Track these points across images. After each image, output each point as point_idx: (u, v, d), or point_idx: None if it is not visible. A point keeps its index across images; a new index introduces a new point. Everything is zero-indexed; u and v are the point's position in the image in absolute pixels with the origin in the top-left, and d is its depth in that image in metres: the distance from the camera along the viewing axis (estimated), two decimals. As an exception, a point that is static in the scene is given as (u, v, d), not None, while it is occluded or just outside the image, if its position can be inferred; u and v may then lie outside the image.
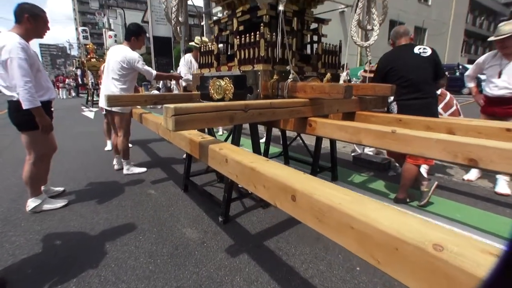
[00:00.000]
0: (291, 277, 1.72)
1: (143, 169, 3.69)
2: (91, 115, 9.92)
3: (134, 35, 3.26)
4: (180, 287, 1.62)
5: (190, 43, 4.49)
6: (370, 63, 3.05)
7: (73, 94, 21.82)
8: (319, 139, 3.10)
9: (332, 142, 3.38)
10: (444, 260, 0.52)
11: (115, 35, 15.05)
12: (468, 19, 27.57)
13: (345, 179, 3.42)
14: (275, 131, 4.92)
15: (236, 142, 2.28)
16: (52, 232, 2.24)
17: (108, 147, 4.79)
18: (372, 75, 3.00)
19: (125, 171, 3.59)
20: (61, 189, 3.04)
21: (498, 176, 2.94)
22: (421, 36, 20.79)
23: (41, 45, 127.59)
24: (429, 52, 2.59)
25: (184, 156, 3.49)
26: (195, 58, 4.37)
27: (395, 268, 0.62)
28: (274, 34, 2.20)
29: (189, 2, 3.08)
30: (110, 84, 3.24)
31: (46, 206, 2.59)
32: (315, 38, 2.72)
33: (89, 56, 12.99)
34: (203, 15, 6.37)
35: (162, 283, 1.66)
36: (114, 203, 2.76)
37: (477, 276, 0.46)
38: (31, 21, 2.28)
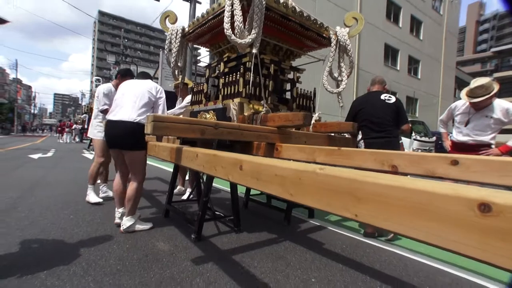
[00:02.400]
0: (248, 282, 1.83)
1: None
2: (90, 156, 10.23)
3: (119, 73, 3.56)
4: (142, 282, 1.74)
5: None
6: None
7: (77, 139, 22.25)
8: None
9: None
10: (324, 174, 0.78)
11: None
12: (456, 94, 29.80)
13: (322, 217, 3.55)
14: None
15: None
16: (32, 238, 2.37)
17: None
18: None
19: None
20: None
21: None
22: (413, 106, 21.97)
23: (55, 95, 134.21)
24: (393, 100, 2.98)
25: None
26: (182, 96, 4.45)
27: (301, 194, 0.86)
28: (252, 75, 2.62)
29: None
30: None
31: (138, 227, 2.69)
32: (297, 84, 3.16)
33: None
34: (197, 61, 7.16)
35: (126, 278, 1.78)
36: (96, 221, 2.90)
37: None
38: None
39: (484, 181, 1.36)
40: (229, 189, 2.92)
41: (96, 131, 3.64)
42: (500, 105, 2.87)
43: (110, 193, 3.79)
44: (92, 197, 3.60)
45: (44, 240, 2.36)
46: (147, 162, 2.80)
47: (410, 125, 3.17)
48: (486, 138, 2.95)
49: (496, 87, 2.84)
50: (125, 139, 2.54)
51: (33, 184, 4.60)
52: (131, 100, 2.59)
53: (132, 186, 2.64)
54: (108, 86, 3.67)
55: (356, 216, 0.70)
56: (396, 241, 2.79)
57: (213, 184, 4.71)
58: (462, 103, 3.13)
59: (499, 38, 60.26)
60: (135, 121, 2.50)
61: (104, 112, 3.47)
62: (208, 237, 2.63)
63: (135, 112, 2.54)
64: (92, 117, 3.80)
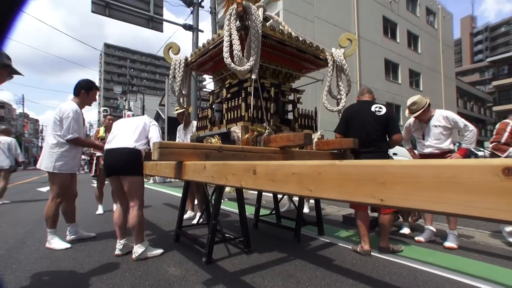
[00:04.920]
0: (259, 303, 1.85)
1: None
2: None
3: (83, 89, 3.21)
4: (155, 307, 1.76)
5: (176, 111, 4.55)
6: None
7: (86, 170, 22.27)
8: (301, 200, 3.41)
9: (317, 200, 3.64)
10: (345, 165, 0.81)
11: (133, 115, 16.62)
12: (459, 103, 30.25)
13: (332, 234, 3.55)
14: (269, 197, 5.18)
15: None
16: (43, 271, 2.39)
17: (100, 211, 4.89)
18: None
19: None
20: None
21: (448, 231, 3.09)
22: (417, 117, 22.02)
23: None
24: (383, 111, 2.90)
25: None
26: (185, 123, 4.57)
27: (321, 189, 0.88)
28: (253, 99, 2.73)
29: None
30: None
31: (150, 253, 2.72)
32: (298, 104, 3.27)
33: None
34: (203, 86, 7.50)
35: (139, 304, 1.80)
36: (108, 250, 2.93)
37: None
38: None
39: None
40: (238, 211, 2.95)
41: (59, 163, 3.00)
42: (442, 114, 3.22)
43: (83, 234, 3.36)
44: (56, 242, 2.99)
45: (55, 272, 2.39)
46: (156, 188, 2.88)
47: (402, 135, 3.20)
48: (444, 145, 3.17)
49: (427, 101, 3.24)
50: (123, 165, 2.66)
51: (42, 218, 4.53)
52: (128, 130, 2.78)
53: (133, 213, 2.68)
54: (77, 108, 3.09)
55: (382, 201, 0.71)
56: (408, 252, 2.79)
57: (222, 207, 4.77)
58: (413, 120, 3.43)
59: (493, 48, 61.39)
60: (132, 147, 2.66)
61: (74, 141, 3.03)
62: (218, 259, 2.65)
63: (132, 139, 2.71)
64: (50, 146, 3.03)
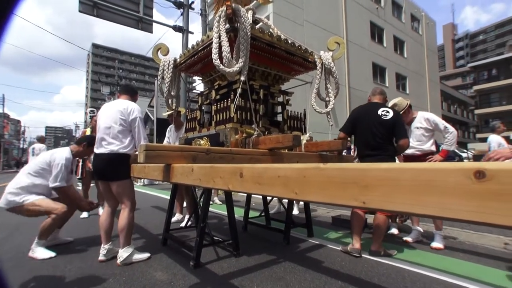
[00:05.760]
0: (248, 307, 1.83)
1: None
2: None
3: (86, 142, 3.36)
4: (141, 313, 1.72)
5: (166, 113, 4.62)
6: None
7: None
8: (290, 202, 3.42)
9: (306, 203, 3.65)
10: (329, 168, 0.82)
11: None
12: (444, 106, 31.30)
13: (321, 235, 3.56)
14: (258, 199, 5.18)
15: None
16: (17, 281, 2.24)
17: (84, 214, 4.75)
18: None
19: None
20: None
21: (434, 231, 3.15)
22: (404, 119, 22.68)
23: (47, 128, 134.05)
24: (390, 116, 2.86)
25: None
26: (177, 125, 4.60)
27: (306, 192, 0.88)
28: (242, 101, 2.73)
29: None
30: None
31: (136, 257, 2.64)
32: (287, 106, 3.28)
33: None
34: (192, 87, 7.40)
35: (125, 310, 1.75)
36: (90, 256, 2.81)
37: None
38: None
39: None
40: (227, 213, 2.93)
41: (12, 199, 2.85)
42: (423, 116, 3.31)
43: (60, 239, 3.27)
44: (40, 252, 2.83)
45: (32, 279, 2.28)
46: (144, 190, 2.82)
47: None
48: (426, 146, 3.26)
49: (407, 102, 3.40)
50: (106, 171, 2.60)
51: (20, 223, 4.18)
52: (105, 132, 2.61)
53: (123, 215, 2.61)
54: (70, 157, 3.19)
55: (364, 203, 0.72)
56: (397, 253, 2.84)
57: (211, 209, 4.73)
58: None
59: (473, 55, 63.55)
60: (111, 152, 2.56)
61: (59, 190, 3.05)
62: (207, 263, 2.62)
63: (110, 143, 2.58)
64: (16, 183, 2.93)
